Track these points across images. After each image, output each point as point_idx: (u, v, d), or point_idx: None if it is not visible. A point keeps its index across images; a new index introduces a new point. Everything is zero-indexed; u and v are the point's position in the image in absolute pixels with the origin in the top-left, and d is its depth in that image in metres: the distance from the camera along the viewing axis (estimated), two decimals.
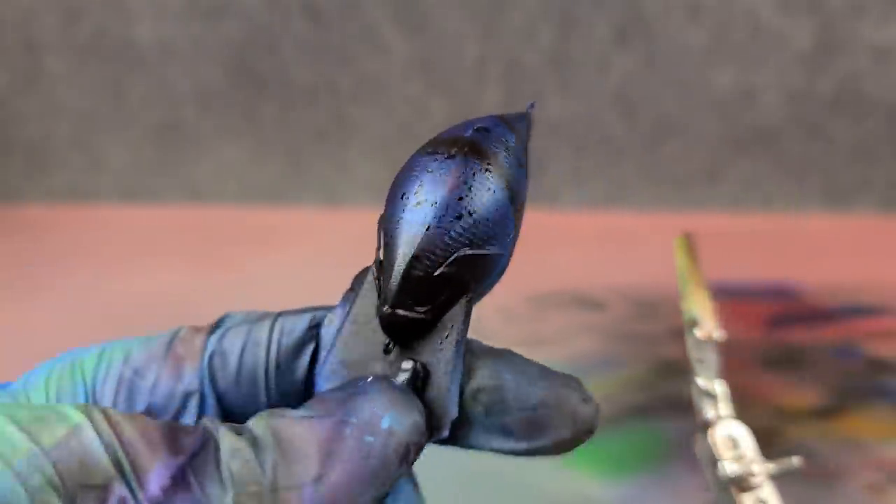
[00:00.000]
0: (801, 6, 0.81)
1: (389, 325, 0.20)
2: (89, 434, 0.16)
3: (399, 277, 0.19)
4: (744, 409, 0.49)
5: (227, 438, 0.17)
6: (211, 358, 0.21)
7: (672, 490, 0.42)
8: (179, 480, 0.16)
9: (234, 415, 0.21)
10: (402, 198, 0.20)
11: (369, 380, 0.19)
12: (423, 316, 0.20)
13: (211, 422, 0.17)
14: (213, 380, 0.21)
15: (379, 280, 0.20)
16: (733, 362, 0.55)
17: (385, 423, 0.18)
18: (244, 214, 0.87)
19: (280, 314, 0.22)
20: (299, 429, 0.17)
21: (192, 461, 0.16)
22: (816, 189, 0.86)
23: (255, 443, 0.17)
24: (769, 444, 0.45)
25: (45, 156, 0.89)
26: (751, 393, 0.51)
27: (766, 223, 0.84)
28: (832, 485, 0.42)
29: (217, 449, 0.17)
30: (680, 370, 0.54)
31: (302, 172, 0.88)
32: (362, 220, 0.82)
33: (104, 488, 0.15)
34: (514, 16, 0.82)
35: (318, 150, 0.87)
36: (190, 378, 0.21)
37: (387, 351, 0.20)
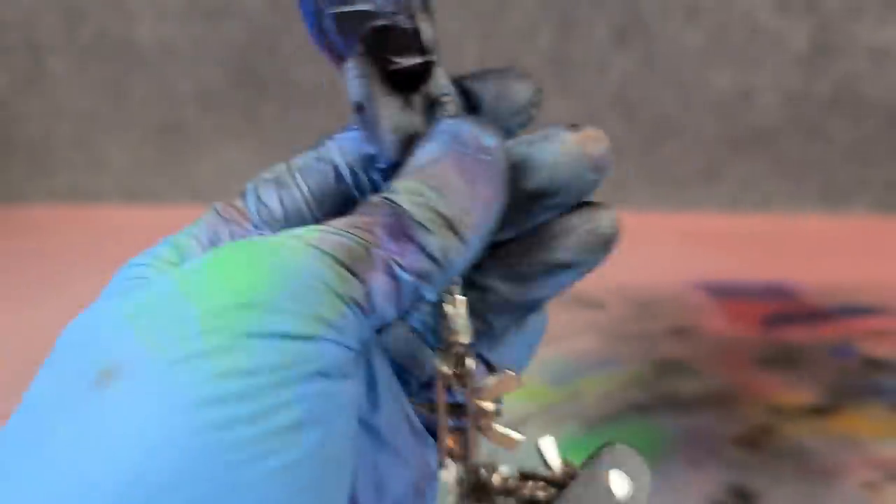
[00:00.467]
0: (798, 8, 0.81)
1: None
2: (331, 237, 0.19)
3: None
4: (740, 407, 0.49)
5: (403, 199, 0.20)
6: (257, 211, 0.23)
7: (671, 486, 0.42)
8: (400, 236, 0.20)
9: None
10: None
11: (447, 116, 0.23)
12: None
13: (376, 196, 0.21)
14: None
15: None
16: (731, 361, 0.55)
17: (488, 142, 0.21)
18: None
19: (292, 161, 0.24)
20: (438, 170, 0.21)
21: (398, 221, 0.20)
22: (814, 189, 0.86)
23: (418, 192, 0.20)
24: (766, 442, 0.46)
25: (47, 156, 0.88)
26: (748, 391, 0.51)
27: (763, 223, 0.85)
28: (828, 483, 0.42)
29: (402, 209, 0.20)
30: (678, 369, 0.54)
31: None
32: None
33: (368, 257, 0.19)
34: (514, 17, 0.82)
35: None
36: (250, 231, 0.23)
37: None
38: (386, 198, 0.20)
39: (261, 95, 0.86)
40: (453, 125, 0.22)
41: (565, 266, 0.24)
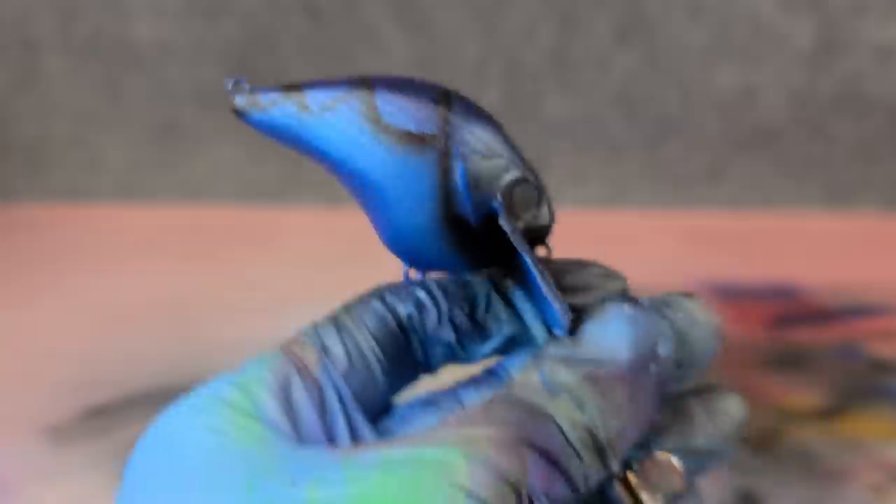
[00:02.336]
0: (802, 5, 0.81)
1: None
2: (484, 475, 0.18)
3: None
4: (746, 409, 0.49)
5: (561, 411, 0.19)
6: (323, 357, 0.23)
7: None
8: (550, 467, 0.18)
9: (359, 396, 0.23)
10: None
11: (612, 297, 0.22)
12: None
13: (530, 385, 0.19)
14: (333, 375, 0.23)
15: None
16: (735, 363, 0.55)
17: (662, 350, 0.20)
18: (243, 214, 0.87)
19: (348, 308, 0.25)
20: (604, 375, 0.20)
21: (551, 445, 0.18)
22: (818, 188, 0.86)
23: (580, 402, 0.19)
24: (771, 445, 0.46)
25: (43, 155, 0.88)
26: (753, 393, 0.51)
27: (767, 222, 0.85)
28: (835, 485, 0.42)
29: (557, 426, 0.19)
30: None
31: (301, 172, 0.88)
32: (361, 220, 0.82)
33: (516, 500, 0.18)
34: (515, 15, 0.82)
35: None
36: (320, 380, 0.23)
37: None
38: (538, 398, 0.19)
39: None
40: (631, 314, 0.21)
41: (703, 454, 0.23)
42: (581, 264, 0.25)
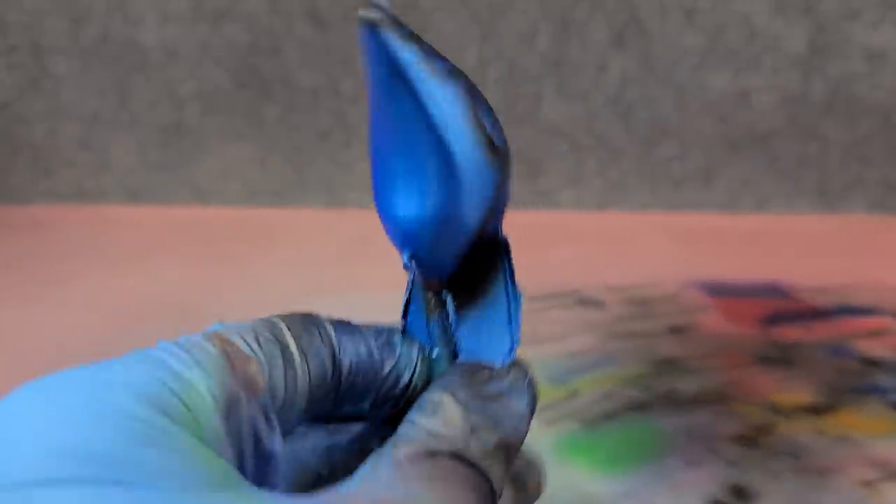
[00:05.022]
0: (795, 9, 0.81)
1: None
2: None
3: None
4: (739, 405, 0.49)
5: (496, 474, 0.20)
6: (268, 385, 0.21)
7: (669, 485, 0.41)
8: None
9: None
10: None
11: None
12: None
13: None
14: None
15: None
16: (729, 360, 0.55)
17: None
18: (248, 214, 0.87)
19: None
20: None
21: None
22: (811, 189, 0.87)
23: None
24: (764, 441, 0.45)
25: (51, 156, 0.88)
26: (746, 390, 0.51)
27: (761, 223, 0.85)
28: (826, 480, 0.42)
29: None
30: (677, 368, 0.54)
31: (304, 173, 0.88)
32: (363, 220, 0.82)
33: None
34: (514, 19, 0.82)
35: (321, 151, 0.87)
36: (265, 409, 0.21)
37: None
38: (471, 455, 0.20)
39: (263, 97, 0.85)
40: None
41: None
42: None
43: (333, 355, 0.22)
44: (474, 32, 0.82)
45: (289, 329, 0.22)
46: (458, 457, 0.20)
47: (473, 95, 0.21)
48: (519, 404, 0.22)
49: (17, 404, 0.17)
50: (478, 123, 0.21)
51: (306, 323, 0.22)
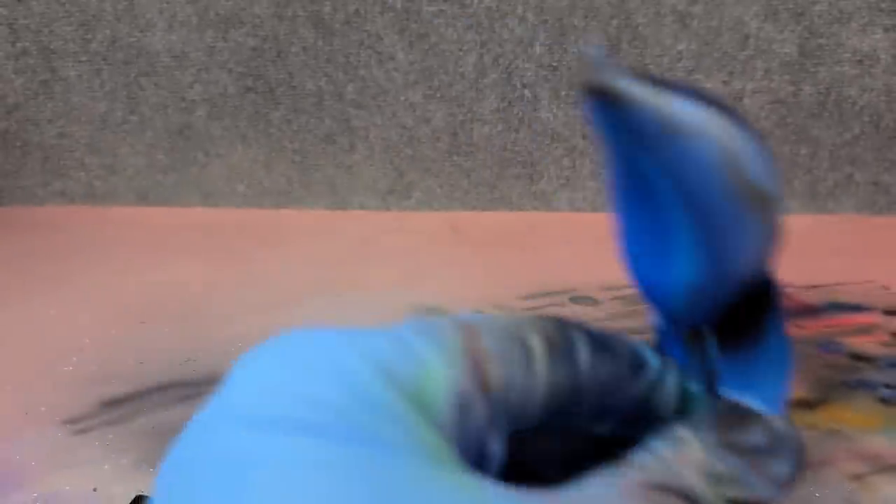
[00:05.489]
0: (786, 14, 0.81)
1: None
2: None
3: None
4: None
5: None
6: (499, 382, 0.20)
7: None
8: None
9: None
10: None
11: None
12: None
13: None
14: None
15: None
16: None
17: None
18: (253, 216, 0.87)
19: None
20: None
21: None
22: (801, 191, 0.87)
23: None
24: None
25: (61, 159, 0.88)
26: None
27: None
28: (817, 474, 0.42)
29: None
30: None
31: (309, 175, 0.88)
32: (367, 222, 0.82)
33: None
34: (512, 26, 0.82)
35: (325, 154, 0.87)
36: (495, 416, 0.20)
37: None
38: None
39: (269, 101, 0.86)
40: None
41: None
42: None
43: (578, 367, 0.20)
44: (473, 39, 0.83)
45: (539, 333, 0.20)
46: (689, 499, 0.18)
47: (730, 139, 0.17)
48: (778, 469, 0.19)
49: (267, 354, 0.17)
50: (738, 178, 0.17)
51: (559, 329, 0.20)
